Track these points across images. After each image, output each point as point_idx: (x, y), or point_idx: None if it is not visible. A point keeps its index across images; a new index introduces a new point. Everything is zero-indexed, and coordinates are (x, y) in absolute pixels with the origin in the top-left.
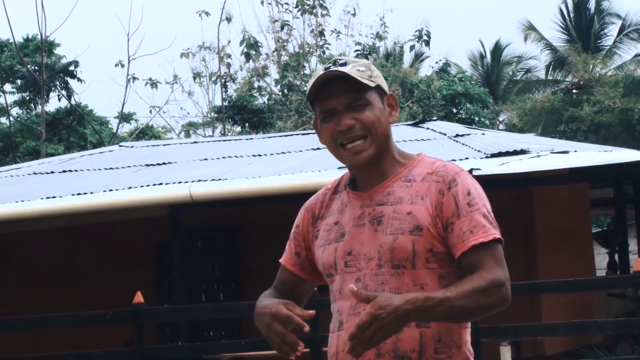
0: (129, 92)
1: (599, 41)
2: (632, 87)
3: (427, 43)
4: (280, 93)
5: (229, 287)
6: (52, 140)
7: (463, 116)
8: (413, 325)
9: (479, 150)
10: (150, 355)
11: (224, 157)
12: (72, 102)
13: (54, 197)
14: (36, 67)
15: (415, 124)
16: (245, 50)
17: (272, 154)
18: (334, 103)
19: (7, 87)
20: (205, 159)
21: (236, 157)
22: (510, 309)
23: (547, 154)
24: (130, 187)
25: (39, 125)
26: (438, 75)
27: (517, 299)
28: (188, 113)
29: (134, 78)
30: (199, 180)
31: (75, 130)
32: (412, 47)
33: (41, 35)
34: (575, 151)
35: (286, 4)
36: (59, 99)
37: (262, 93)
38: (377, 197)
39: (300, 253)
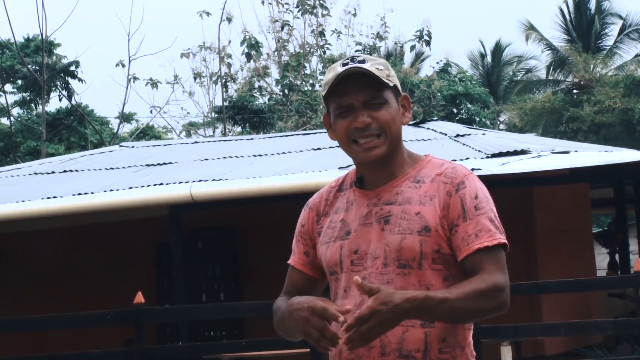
0: (130, 92)
1: (600, 41)
2: (632, 87)
3: (428, 43)
4: (280, 93)
5: (229, 287)
6: (52, 140)
7: (464, 116)
8: (418, 325)
9: (479, 150)
10: (151, 355)
11: (224, 157)
12: (73, 102)
13: (54, 197)
14: (37, 67)
15: (416, 124)
16: (246, 50)
17: (272, 154)
18: (352, 99)
19: (8, 87)
20: (206, 159)
21: (237, 157)
22: (511, 309)
23: (547, 154)
24: (130, 187)
25: (39, 126)
26: (439, 76)
27: (517, 299)
28: (188, 113)
29: (135, 78)
30: (200, 181)
31: (76, 131)
32: (412, 47)
33: (41, 35)
34: (576, 151)
35: (287, 4)
36: (60, 99)
37: (263, 93)
38: (385, 197)
39: (309, 252)
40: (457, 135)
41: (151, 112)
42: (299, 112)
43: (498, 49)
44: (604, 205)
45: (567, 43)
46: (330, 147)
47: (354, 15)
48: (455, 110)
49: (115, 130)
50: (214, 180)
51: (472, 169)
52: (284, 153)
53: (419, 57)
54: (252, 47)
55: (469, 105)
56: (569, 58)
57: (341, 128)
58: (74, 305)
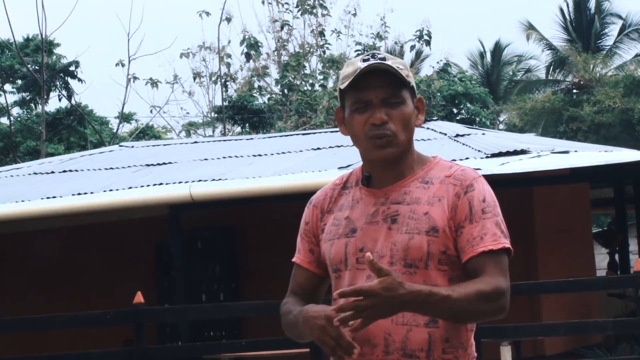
0: (130, 92)
1: (600, 41)
2: (632, 87)
3: (428, 43)
4: (280, 93)
5: (229, 287)
6: (52, 140)
7: (464, 116)
8: (422, 325)
9: (479, 150)
10: (150, 355)
11: (224, 157)
12: (73, 102)
13: (54, 197)
14: (36, 67)
15: None
16: (245, 50)
17: (272, 154)
18: (371, 95)
19: (8, 87)
20: (206, 159)
21: (236, 157)
22: (511, 309)
23: (547, 154)
24: (130, 187)
25: (39, 125)
26: (438, 76)
27: (517, 299)
28: (188, 113)
29: (135, 78)
30: (199, 180)
31: (76, 130)
32: (412, 47)
33: (41, 35)
34: (576, 151)
35: (286, 3)
36: (59, 99)
37: (263, 93)
38: (392, 196)
39: (314, 250)
40: (457, 135)
41: (151, 112)
42: (298, 112)
43: (498, 49)
44: (604, 205)
45: (567, 43)
46: (330, 147)
47: (354, 15)
48: (455, 110)
49: (114, 130)
50: (213, 180)
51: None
52: (283, 153)
53: (418, 57)
54: (252, 47)
55: (468, 105)
56: (568, 58)
57: (357, 123)
58: (74, 305)
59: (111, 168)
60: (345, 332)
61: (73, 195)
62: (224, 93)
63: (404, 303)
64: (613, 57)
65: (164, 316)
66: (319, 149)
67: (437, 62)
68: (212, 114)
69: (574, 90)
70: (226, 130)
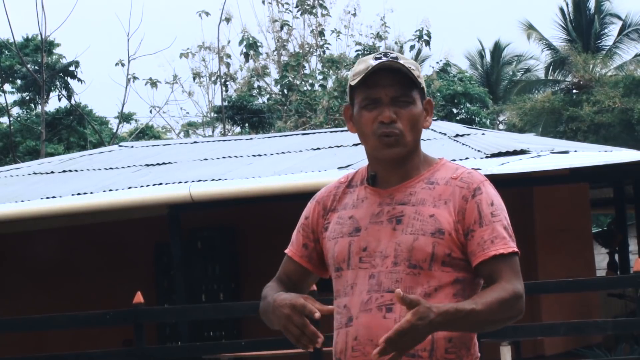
0: (129, 92)
1: (599, 41)
2: (632, 87)
3: (428, 43)
4: (280, 93)
5: (229, 287)
6: (52, 140)
7: (463, 116)
8: None
9: (479, 150)
10: (150, 355)
11: (224, 157)
12: (72, 102)
13: (54, 197)
14: (36, 67)
15: None
16: (244, 50)
17: (272, 154)
18: (381, 93)
19: (7, 87)
20: (205, 159)
21: (236, 157)
22: None
23: (547, 154)
24: (130, 187)
25: (38, 125)
26: (438, 76)
27: None
28: (188, 113)
29: (134, 78)
30: (199, 180)
31: (75, 130)
32: (412, 47)
33: (41, 35)
34: (576, 151)
35: (286, 3)
36: (59, 99)
37: (262, 93)
38: (398, 196)
39: (308, 245)
40: (457, 135)
41: (150, 112)
42: (298, 112)
43: (497, 49)
44: (604, 205)
45: (567, 43)
46: (329, 147)
47: (354, 15)
48: (454, 110)
49: (114, 130)
50: (213, 180)
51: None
52: (283, 153)
53: (418, 57)
54: (251, 46)
55: (468, 105)
56: (568, 58)
57: (365, 120)
58: (74, 305)
59: (111, 168)
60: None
61: (73, 195)
62: (223, 93)
63: (435, 326)
64: (613, 57)
65: (163, 316)
66: (318, 149)
67: (437, 62)
68: (212, 114)
69: (574, 90)
70: (226, 130)
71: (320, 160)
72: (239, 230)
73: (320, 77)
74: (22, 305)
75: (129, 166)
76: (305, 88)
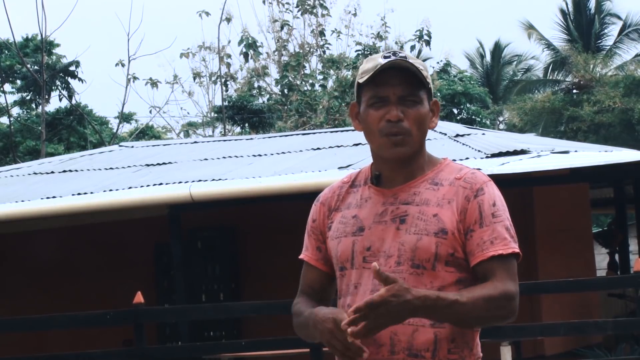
0: (129, 92)
1: (600, 41)
2: (632, 87)
3: (428, 43)
4: (280, 93)
5: (229, 287)
6: (52, 140)
7: (464, 116)
8: (428, 325)
9: (479, 150)
10: (150, 355)
11: (224, 157)
12: (73, 102)
13: (54, 197)
14: (36, 67)
15: None
16: (244, 50)
17: (272, 154)
18: (389, 92)
19: (7, 87)
20: (206, 159)
21: (236, 157)
22: None
23: (547, 154)
24: (130, 187)
25: (39, 125)
26: (438, 75)
27: None
28: (188, 113)
29: (134, 78)
30: (199, 180)
31: (76, 130)
32: (412, 47)
33: (41, 35)
34: (576, 151)
35: (287, 3)
36: (60, 99)
37: (262, 93)
38: (402, 196)
39: (321, 247)
40: (457, 135)
41: (151, 112)
42: (298, 112)
43: (497, 49)
44: (604, 205)
45: (567, 43)
46: (329, 147)
47: (354, 15)
48: (455, 110)
49: (114, 130)
50: (213, 180)
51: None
52: (283, 153)
53: (419, 57)
54: (250, 46)
55: (468, 105)
56: (569, 58)
57: (372, 119)
58: (74, 305)
59: (111, 168)
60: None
61: (73, 195)
62: (223, 93)
63: (413, 309)
64: (613, 57)
65: (164, 316)
66: (318, 149)
67: (437, 62)
68: (212, 114)
69: (574, 90)
70: (226, 130)
71: (320, 160)
72: (239, 230)
73: (320, 77)
74: (22, 305)
75: (129, 166)
76: (305, 88)
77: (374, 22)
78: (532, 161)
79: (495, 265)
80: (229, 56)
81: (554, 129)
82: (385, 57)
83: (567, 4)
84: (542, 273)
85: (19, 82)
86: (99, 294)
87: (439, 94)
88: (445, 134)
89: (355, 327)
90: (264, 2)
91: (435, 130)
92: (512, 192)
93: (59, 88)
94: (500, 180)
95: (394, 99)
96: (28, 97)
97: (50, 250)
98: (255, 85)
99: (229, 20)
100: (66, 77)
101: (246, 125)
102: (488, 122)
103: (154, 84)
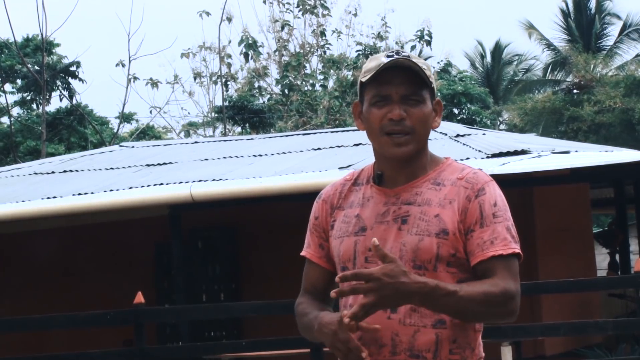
0: (130, 92)
1: (600, 41)
2: (632, 87)
3: (429, 43)
4: (280, 93)
5: (229, 287)
6: (52, 140)
7: (464, 116)
8: (429, 325)
9: (479, 150)
10: (150, 355)
11: (224, 157)
12: (73, 102)
13: (54, 197)
14: (36, 67)
15: None
16: (244, 50)
17: (272, 154)
18: (391, 90)
19: (8, 87)
20: (206, 159)
21: (237, 157)
22: None
23: (547, 154)
24: (130, 187)
25: (39, 125)
26: (439, 75)
27: None
28: (189, 113)
29: (135, 78)
30: (200, 180)
31: (76, 130)
32: (412, 47)
33: (42, 35)
34: (576, 151)
35: (287, 3)
36: (60, 99)
37: (263, 93)
38: (404, 196)
39: (323, 245)
40: (457, 135)
41: (151, 112)
42: (299, 112)
43: (498, 49)
44: (604, 205)
45: (568, 43)
46: (330, 147)
47: (355, 15)
48: (455, 111)
49: (115, 130)
50: (214, 180)
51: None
52: (284, 153)
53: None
54: (250, 47)
55: (469, 105)
56: (569, 58)
57: (375, 118)
58: (74, 305)
59: (111, 168)
60: (360, 329)
61: (73, 195)
62: (224, 93)
63: (409, 293)
64: (613, 57)
65: (164, 316)
66: (319, 149)
67: (438, 62)
68: (213, 114)
69: (575, 90)
70: (226, 130)
71: (321, 160)
72: (239, 230)
73: (321, 77)
74: (22, 305)
75: (129, 166)
76: (306, 88)
77: (375, 22)
78: (532, 161)
79: (496, 265)
80: (230, 56)
81: (554, 129)
82: (388, 56)
83: (567, 4)
84: (542, 273)
85: (19, 82)
86: (99, 294)
87: (439, 94)
88: (446, 134)
89: (352, 311)
90: (264, 2)
91: (435, 131)
92: (512, 192)
93: (60, 88)
94: (501, 180)
95: (397, 98)
96: (28, 97)
97: (50, 250)
98: (256, 85)
99: (229, 20)
100: (67, 77)
101: (247, 125)
102: (488, 122)
103: (154, 84)
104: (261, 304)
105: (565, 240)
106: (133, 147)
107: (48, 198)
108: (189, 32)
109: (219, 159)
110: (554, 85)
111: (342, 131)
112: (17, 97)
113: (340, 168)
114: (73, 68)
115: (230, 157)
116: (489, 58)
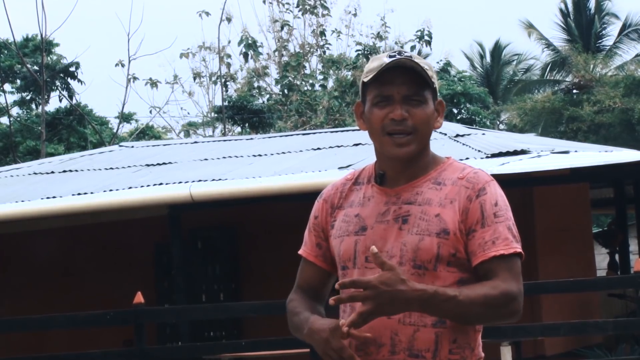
0: (129, 92)
1: (600, 41)
2: (632, 87)
3: (429, 43)
4: (280, 93)
5: (229, 287)
6: (52, 140)
7: (464, 116)
8: (429, 325)
9: (479, 150)
10: (150, 355)
11: (224, 157)
12: (73, 102)
13: (54, 197)
14: (36, 67)
15: None
16: (244, 50)
17: (272, 154)
18: (393, 91)
19: (7, 87)
20: (206, 159)
21: (236, 157)
22: None
23: (547, 154)
24: (130, 187)
25: (39, 125)
26: (438, 75)
27: None
28: (188, 113)
29: (135, 78)
30: (199, 180)
31: (76, 130)
32: (412, 48)
33: (41, 35)
34: (576, 151)
35: (287, 3)
36: (60, 99)
37: (262, 93)
38: (404, 196)
39: (321, 244)
40: (457, 135)
41: (151, 112)
42: (298, 112)
43: (497, 49)
44: (604, 205)
45: (567, 43)
46: (330, 147)
47: (355, 15)
48: (455, 110)
49: (114, 130)
50: (213, 180)
51: None
52: (283, 153)
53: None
54: (250, 47)
55: (468, 105)
56: (569, 58)
57: (376, 118)
58: (74, 305)
59: (111, 168)
60: (351, 337)
61: (73, 195)
62: (224, 93)
63: (406, 301)
64: (613, 57)
65: (164, 316)
66: (319, 149)
67: (437, 62)
68: (212, 114)
69: (574, 90)
70: (226, 130)
71: (320, 160)
72: (239, 230)
73: (320, 77)
74: (22, 305)
75: (129, 166)
76: (305, 88)
77: (374, 22)
78: (532, 161)
79: (497, 265)
80: (229, 56)
81: (554, 129)
82: (390, 57)
83: (566, 4)
84: (542, 273)
85: (18, 82)
86: (98, 294)
87: (439, 94)
88: (445, 134)
89: (350, 319)
90: (264, 2)
91: (435, 130)
92: (512, 192)
93: (59, 88)
94: (501, 180)
95: (399, 98)
96: (28, 97)
97: (50, 250)
98: (255, 85)
99: (229, 20)
100: (66, 78)
101: (246, 125)
102: (488, 122)
103: (154, 84)
104: (261, 304)
105: (565, 240)
106: (132, 147)
107: (48, 198)
108: (188, 32)
109: (218, 159)
110: (553, 85)
111: (342, 131)
112: (16, 97)
113: (339, 168)
114: (72, 69)
115: (230, 157)
116: (488, 58)
